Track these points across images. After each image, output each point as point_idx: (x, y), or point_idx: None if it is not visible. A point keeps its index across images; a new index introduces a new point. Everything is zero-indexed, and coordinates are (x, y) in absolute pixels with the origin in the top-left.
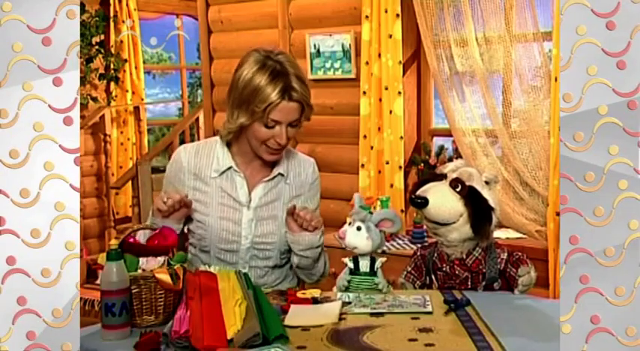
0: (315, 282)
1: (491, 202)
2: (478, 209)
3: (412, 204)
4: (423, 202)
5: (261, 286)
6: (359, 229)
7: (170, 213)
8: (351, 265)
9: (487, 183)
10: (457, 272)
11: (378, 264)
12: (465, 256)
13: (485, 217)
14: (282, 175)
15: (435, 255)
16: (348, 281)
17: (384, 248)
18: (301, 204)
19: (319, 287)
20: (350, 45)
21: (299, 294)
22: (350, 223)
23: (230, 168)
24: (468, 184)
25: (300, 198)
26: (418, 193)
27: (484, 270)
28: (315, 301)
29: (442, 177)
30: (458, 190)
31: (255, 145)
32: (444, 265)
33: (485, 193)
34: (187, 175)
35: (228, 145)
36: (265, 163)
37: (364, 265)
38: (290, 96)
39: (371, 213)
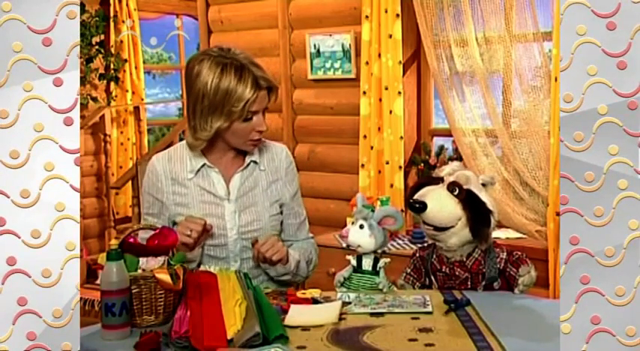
0: (304, 279)
1: (490, 205)
2: (477, 213)
3: (410, 209)
4: (422, 207)
5: (257, 277)
6: (361, 227)
7: (196, 243)
8: (354, 262)
9: (484, 185)
10: (457, 273)
11: (381, 264)
12: (464, 258)
13: (484, 220)
14: (255, 162)
15: (434, 257)
16: (348, 278)
17: (384, 248)
18: (279, 189)
19: (320, 287)
20: (350, 45)
21: (299, 294)
22: (353, 223)
23: (204, 165)
24: (465, 187)
25: (277, 183)
26: (416, 197)
27: (484, 270)
28: (315, 301)
29: (439, 180)
30: (455, 193)
31: (238, 142)
32: (444, 266)
33: (483, 196)
34: (165, 182)
35: None
36: (237, 155)
37: (367, 263)
38: (259, 86)
39: (373, 211)
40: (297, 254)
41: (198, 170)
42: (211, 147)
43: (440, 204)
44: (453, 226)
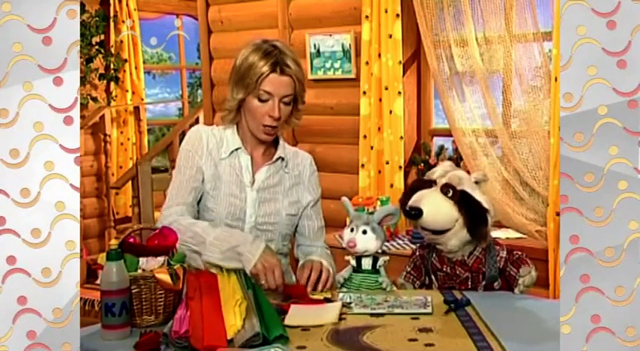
0: None
1: (485, 204)
2: (473, 213)
3: (406, 215)
4: (417, 213)
5: None
6: (365, 232)
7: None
8: (353, 262)
9: (477, 183)
10: (458, 272)
11: (380, 262)
12: (466, 257)
13: (481, 219)
14: (282, 158)
15: (434, 256)
16: (349, 278)
17: (384, 248)
18: (300, 192)
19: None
20: (350, 45)
21: (311, 295)
22: (352, 229)
23: (238, 148)
24: (458, 188)
25: (299, 186)
26: (410, 203)
27: (484, 269)
28: (328, 301)
29: (431, 183)
30: (449, 195)
31: (252, 124)
32: (445, 266)
33: (477, 195)
34: (206, 149)
35: (237, 131)
36: (268, 149)
37: (366, 263)
38: (282, 70)
39: (370, 213)
40: (325, 262)
41: (232, 152)
42: (244, 134)
43: (435, 208)
44: (450, 229)
